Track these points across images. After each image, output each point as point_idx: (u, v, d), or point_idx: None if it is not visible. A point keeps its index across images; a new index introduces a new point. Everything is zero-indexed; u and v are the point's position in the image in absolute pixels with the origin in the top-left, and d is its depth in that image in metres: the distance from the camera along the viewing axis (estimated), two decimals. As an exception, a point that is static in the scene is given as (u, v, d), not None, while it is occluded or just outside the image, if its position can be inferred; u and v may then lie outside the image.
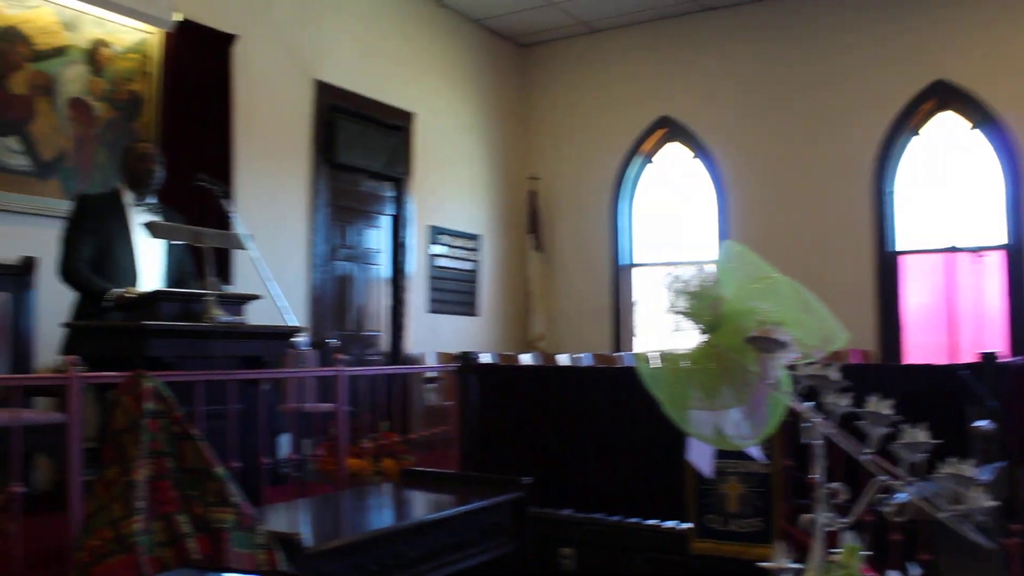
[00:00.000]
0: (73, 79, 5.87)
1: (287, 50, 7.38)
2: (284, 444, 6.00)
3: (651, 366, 2.21)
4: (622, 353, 8.85)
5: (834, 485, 2.08)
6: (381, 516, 3.59)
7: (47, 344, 5.32)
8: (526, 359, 8.34)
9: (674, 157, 9.66)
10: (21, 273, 5.38)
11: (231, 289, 5.75)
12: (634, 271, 9.78)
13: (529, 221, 9.84)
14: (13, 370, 5.21)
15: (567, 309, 9.83)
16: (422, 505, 3.59)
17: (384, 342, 8.33)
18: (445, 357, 7.91)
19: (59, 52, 5.81)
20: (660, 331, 2.25)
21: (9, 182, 5.52)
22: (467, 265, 9.31)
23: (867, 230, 8.48)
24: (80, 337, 3.92)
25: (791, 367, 2.13)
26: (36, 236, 5.37)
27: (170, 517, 2.03)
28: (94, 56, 5.99)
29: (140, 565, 1.90)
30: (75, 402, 3.26)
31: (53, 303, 5.09)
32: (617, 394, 4.72)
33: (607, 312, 9.63)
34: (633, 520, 4.65)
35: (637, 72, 9.62)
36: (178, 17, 6.33)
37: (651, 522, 4.59)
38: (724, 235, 9.04)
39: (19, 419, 3.28)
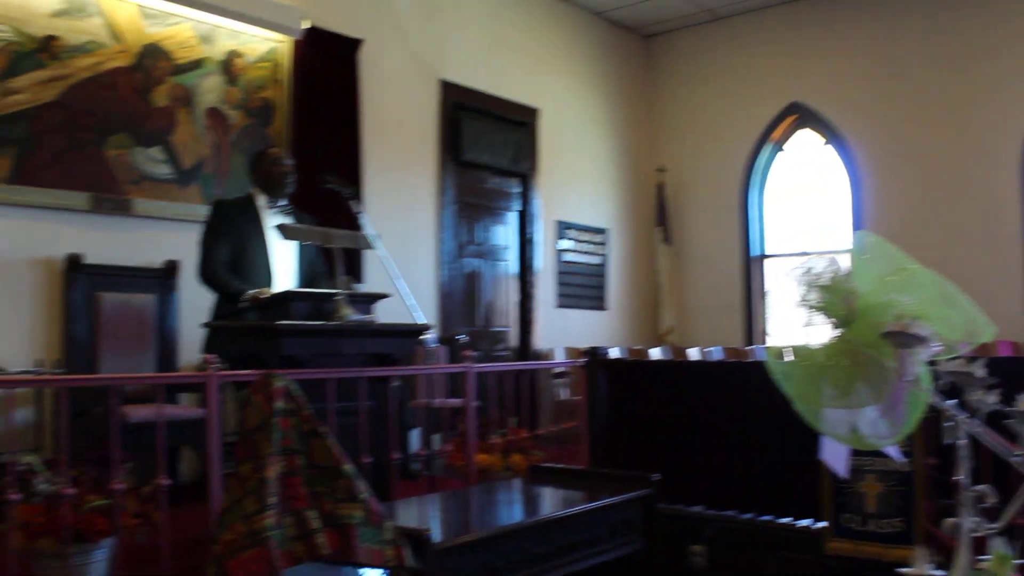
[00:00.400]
0: (210, 89, 6.12)
1: (412, 51, 7.50)
2: (414, 439, 6.11)
3: (782, 362, 2.14)
4: (754, 347, 8.65)
5: (981, 488, 1.97)
6: (509, 512, 3.60)
7: (189, 342, 5.57)
8: (655, 353, 8.24)
9: (805, 144, 9.38)
10: (165, 276, 5.64)
11: (361, 288, 5.89)
12: (766, 262, 9.54)
13: (657, 213, 9.73)
14: (159, 367, 5.48)
15: (697, 302, 9.68)
16: (550, 501, 3.58)
17: (512, 337, 8.38)
18: (573, 352, 7.90)
19: (197, 65, 6.06)
20: (793, 325, 2.17)
21: (153, 190, 5.80)
22: (595, 259, 9.27)
23: (1015, 216, 8.02)
24: (219, 337, 4.08)
25: (932, 363, 2.02)
26: (178, 241, 5.62)
27: (300, 513, 2.09)
28: (229, 67, 6.23)
29: (272, 559, 1.95)
30: (214, 399, 3.40)
31: (194, 304, 5.32)
32: (748, 389, 4.60)
33: (738, 305, 9.44)
34: (765, 518, 4.52)
35: (765, 58, 9.37)
36: (306, 25, 6.51)
37: (784, 520, 4.45)
38: (858, 225, 8.71)
39: (163, 415, 3.43)
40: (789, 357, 2.16)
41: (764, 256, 9.53)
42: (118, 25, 5.71)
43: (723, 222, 9.58)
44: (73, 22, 5.51)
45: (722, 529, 4.66)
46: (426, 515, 3.34)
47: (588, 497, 3.53)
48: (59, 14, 5.46)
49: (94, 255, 5.42)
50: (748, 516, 4.60)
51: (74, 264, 5.33)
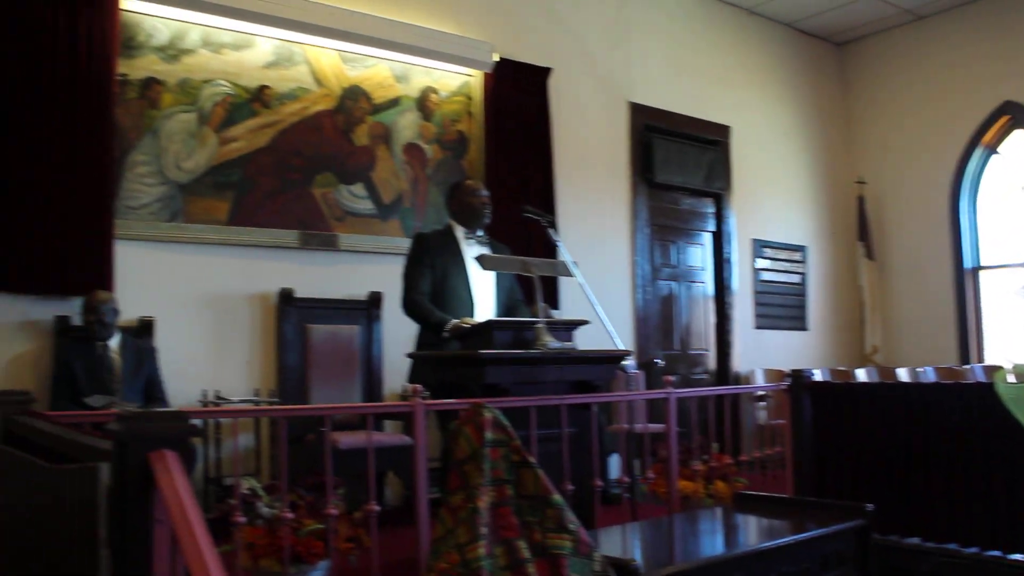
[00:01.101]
0: (406, 126, 6.36)
1: (600, 76, 7.54)
2: (613, 465, 6.08)
3: (1012, 385, 1.98)
4: (971, 366, 8.11)
5: None
6: (714, 542, 3.51)
7: (392, 370, 5.78)
8: (861, 374, 7.89)
9: (1022, 145, 8.75)
10: (369, 307, 5.88)
11: (559, 314, 5.93)
12: (981, 274, 8.94)
13: (858, 228, 9.32)
14: (364, 395, 5.70)
15: (904, 319, 9.19)
16: (756, 531, 3.47)
17: (710, 360, 8.23)
18: (774, 374, 7.67)
19: (394, 103, 6.32)
20: (1018, 341, 2.01)
21: (356, 224, 6.07)
22: (794, 278, 8.98)
23: None
24: (422, 366, 4.19)
25: None
26: (381, 272, 5.85)
27: (511, 543, 2.10)
28: (424, 103, 6.45)
29: (485, 589, 1.98)
30: (420, 427, 3.48)
31: (397, 333, 5.52)
32: (968, 411, 4.31)
33: (951, 321, 8.87)
34: (993, 553, 4.21)
35: (971, 56, 8.82)
36: (496, 58, 6.66)
37: (1016, 556, 4.14)
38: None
39: (373, 441, 3.55)
40: (1015, 379, 2.00)
41: (979, 268, 8.93)
42: (321, 71, 6.03)
43: (931, 233, 9.06)
44: (281, 71, 5.87)
45: (943, 564, 4.36)
46: (629, 544, 3.30)
47: (796, 527, 3.39)
48: (269, 65, 5.83)
49: (303, 289, 5.72)
50: (972, 550, 4.29)
51: (286, 298, 5.64)
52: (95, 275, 5.07)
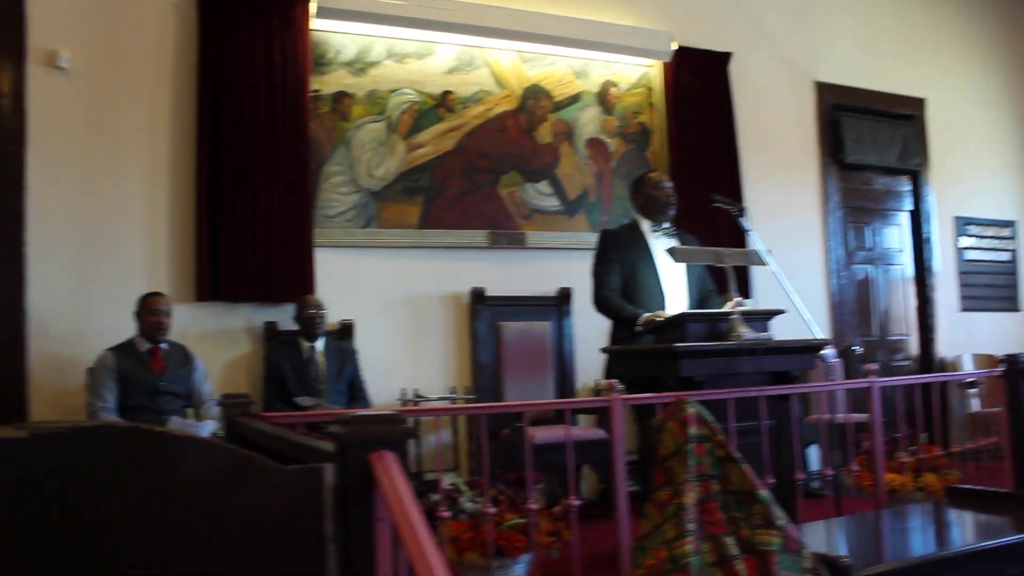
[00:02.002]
0: (588, 121, 6.38)
1: (783, 58, 7.31)
2: (812, 457, 5.90)
3: None
4: None
5: None
6: (926, 539, 3.34)
7: (584, 365, 5.83)
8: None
9: None
10: (559, 303, 5.94)
11: (751, 304, 5.81)
12: None
13: (1075, 199, 8.65)
14: (557, 390, 5.78)
15: None
16: (972, 529, 3.28)
17: (912, 346, 7.84)
18: (985, 360, 7.23)
19: (575, 99, 6.36)
20: None
21: (543, 222, 6.14)
22: (1002, 256, 8.42)
23: None
24: (616, 360, 4.19)
25: None
26: (569, 268, 5.90)
27: (718, 539, 2.08)
28: (604, 97, 6.46)
29: (695, 586, 1.97)
30: (618, 422, 3.49)
31: (587, 328, 5.56)
32: None
33: None
34: None
35: None
36: (675, 46, 6.57)
37: None
38: None
39: (571, 436, 3.59)
40: None
41: None
42: (502, 72, 6.13)
43: None
44: (463, 76, 6.01)
45: None
46: (835, 540, 3.19)
47: (1018, 525, 3.18)
48: (451, 71, 5.98)
49: (494, 287, 5.84)
50: None
51: (478, 297, 5.78)
52: (299, 282, 5.36)
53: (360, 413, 1.73)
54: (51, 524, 1.65)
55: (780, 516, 2.17)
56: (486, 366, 5.75)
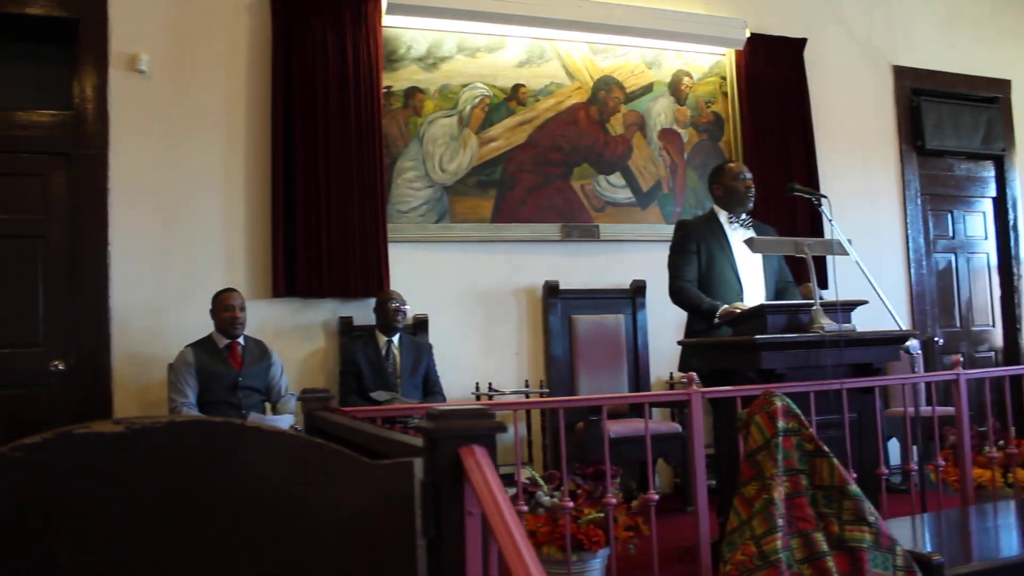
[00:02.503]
0: (661, 111, 6.32)
1: (859, 42, 7.15)
2: (892, 451, 5.77)
3: None
4: None
5: None
6: (1016, 538, 3.24)
7: (658, 358, 5.79)
8: None
9: None
10: (633, 296, 5.90)
11: (829, 295, 5.70)
12: None
13: None
14: (631, 383, 5.75)
15: None
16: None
17: (996, 337, 7.62)
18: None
19: (647, 90, 6.30)
20: None
21: (616, 214, 6.11)
22: (1091, 242, 8.12)
23: None
24: (693, 353, 4.15)
25: None
26: (643, 260, 5.86)
27: (808, 535, 2.04)
28: (676, 87, 6.39)
29: (786, 583, 1.94)
30: (696, 416, 3.46)
31: (661, 320, 5.52)
32: None
33: None
34: None
35: None
36: (748, 33, 6.47)
37: None
38: None
39: (648, 430, 3.56)
40: None
41: None
42: (573, 64, 6.11)
43: None
44: (534, 69, 6.00)
45: None
46: (920, 537, 3.10)
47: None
48: (522, 64, 5.97)
49: (567, 281, 5.83)
50: None
51: (551, 290, 5.77)
52: (373, 277, 5.41)
53: (447, 407, 1.73)
54: (143, 517, 1.68)
55: (872, 512, 2.12)
56: (559, 359, 5.74)
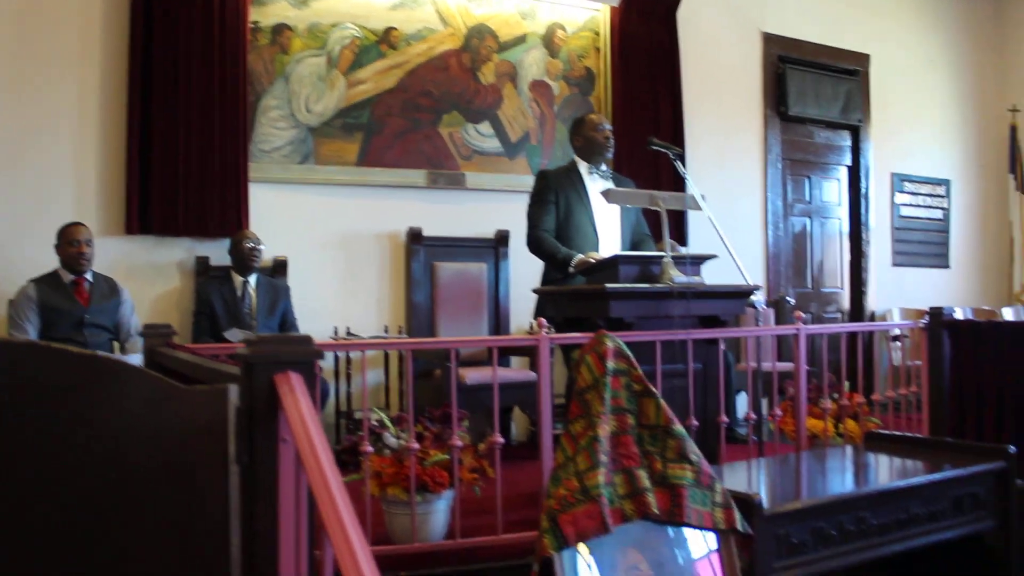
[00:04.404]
0: (533, 63, 6.32)
1: (732, 7, 7.29)
2: (741, 405, 5.98)
3: None
4: None
5: None
6: (842, 480, 3.41)
7: (519, 309, 5.83)
8: (1007, 314, 7.52)
9: None
10: (496, 245, 5.91)
11: (686, 251, 5.84)
12: None
13: (1010, 159, 8.78)
14: (492, 332, 5.77)
15: (1059, 257, 8.65)
16: (887, 471, 3.36)
17: (844, 299, 7.97)
18: (912, 314, 7.37)
19: (520, 40, 6.28)
20: None
21: (483, 163, 6.10)
22: (935, 213, 8.56)
23: None
24: (548, 301, 4.19)
25: None
26: (508, 211, 5.87)
27: (631, 471, 2.09)
28: (550, 39, 6.39)
29: (603, 515, 1.98)
30: (545, 360, 3.50)
31: (523, 271, 5.55)
32: None
33: (1111, 260, 8.31)
34: None
35: None
36: (623, -10, 6.51)
37: None
38: None
39: (498, 377, 3.59)
40: None
41: None
42: (447, 10, 6.03)
43: (1091, 166, 8.46)
44: (407, 12, 5.90)
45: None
46: (753, 480, 3.23)
47: (930, 468, 3.27)
48: (395, 7, 5.87)
49: (431, 228, 5.80)
50: None
51: (414, 237, 5.73)
52: (232, 217, 5.28)
53: (268, 335, 1.70)
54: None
55: (694, 451, 2.19)
56: (420, 307, 5.73)
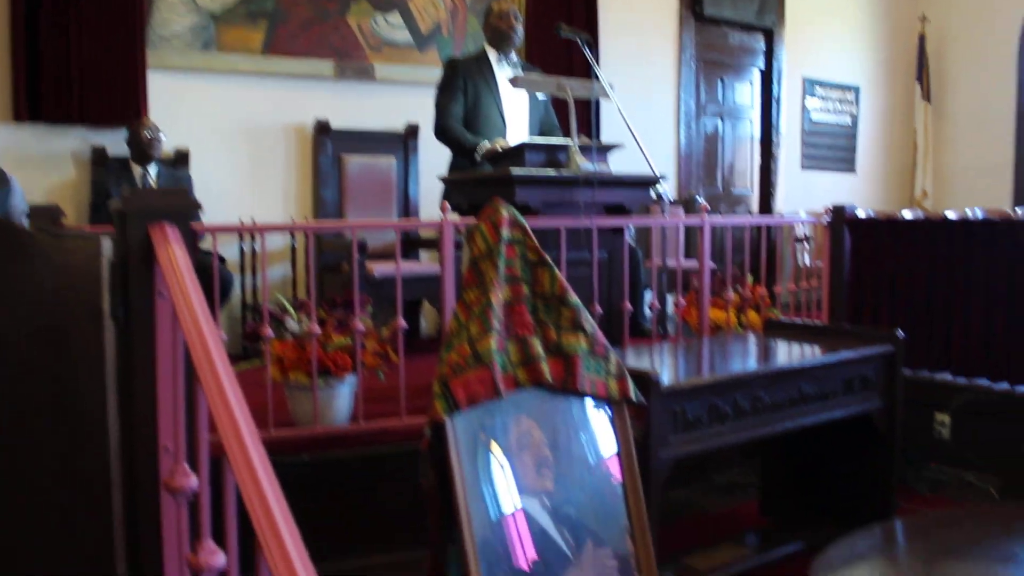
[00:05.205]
0: (444, -50, 6.13)
1: (648, -99, 7.16)
2: (647, 301, 6.06)
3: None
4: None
5: None
6: (740, 362, 3.47)
7: (429, 203, 5.76)
8: (908, 217, 7.70)
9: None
10: (406, 139, 5.81)
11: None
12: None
13: (917, 68, 8.92)
14: (400, 226, 5.71)
15: (957, 165, 8.87)
16: (784, 354, 3.43)
17: (753, 201, 8.08)
18: (818, 216, 7.51)
19: (431, -74, 6.08)
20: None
21: (393, 54, 5.95)
22: (844, 119, 8.68)
23: None
24: (454, 188, 4.15)
25: None
26: (418, 104, 5.74)
27: (525, 340, 2.09)
28: (462, -74, 6.20)
29: (495, 380, 1.98)
30: (448, 243, 3.47)
31: (434, 165, 5.47)
32: (1015, 249, 4.21)
33: (1008, 168, 8.54)
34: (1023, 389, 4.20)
35: None
36: None
37: (1044, 393, 4.13)
38: None
39: (407, 271, 3.55)
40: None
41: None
42: None
43: (995, 75, 8.60)
44: None
45: (972, 399, 4.36)
46: (655, 361, 3.26)
47: (824, 352, 3.35)
48: None
49: (339, 120, 5.66)
50: (1003, 386, 4.28)
51: (322, 129, 5.59)
52: (131, 105, 5.08)
53: (144, 189, 1.63)
54: None
55: (588, 321, 2.19)
56: (328, 201, 5.62)
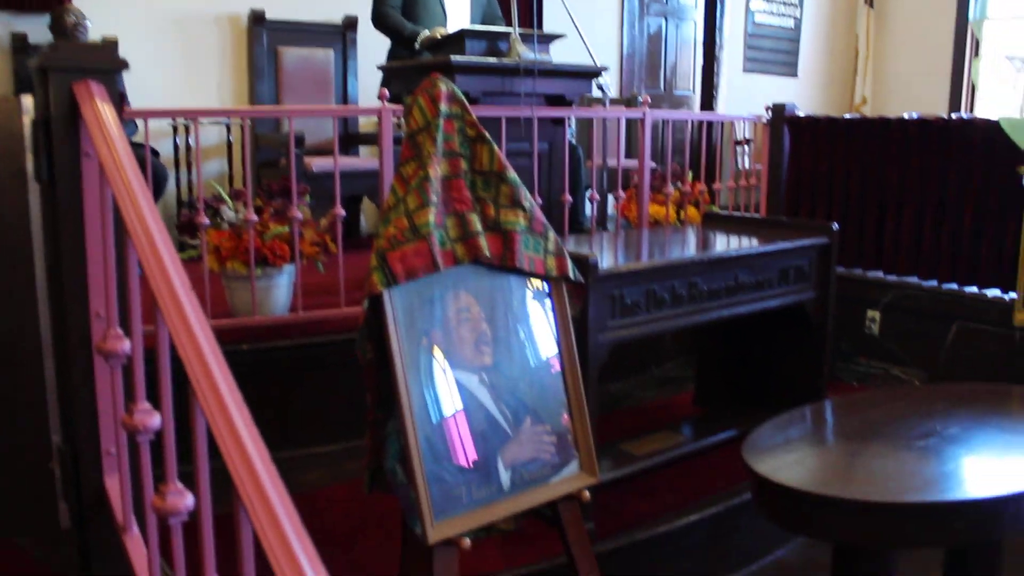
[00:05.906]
0: None
1: None
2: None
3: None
4: (960, 114, 7.96)
5: None
6: (678, 251, 3.49)
7: (368, 96, 5.65)
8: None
9: None
10: (344, 31, 5.67)
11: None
12: (986, 25, 8.55)
13: (860, -29, 8.90)
14: (340, 120, 5.61)
15: (898, 71, 8.93)
16: (721, 244, 3.47)
17: (695, 103, 8.06)
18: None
19: None
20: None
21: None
22: (787, 22, 8.65)
23: None
24: (392, 77, 4.07)
25: None
26: (356, -5, 5.59)
27: (463, 215, 2.07)
28: None
29: (432, 254, 1.96)
30: (387, 131, 3.42)
31: (373, 58, 5.34)
32: (948, 150, 4.28)
33: (946, 72, 8.62)
34: (950, 287, 4.32)
35: None
36: None
37: (970, 290, 4.25)
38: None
39: (346, 165, 3.49)
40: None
41: (985, 19, 8.54)
42: None
43: (937, -20, 8.63)
44: None
45: (901, 296, 4.48)
46: (594, 249, 3.27)
47: (762, 242, 3.39)
48: None
49: (275, 11, 5.49)
50: (931, 284, 4.40)
51: (257, 19, 5.43)
52: (53, -11, 4.85)
53: (68, 43, 1.56)
54: None
55: (527, 198, 2.18)
56: (264, 94, 5.48)
